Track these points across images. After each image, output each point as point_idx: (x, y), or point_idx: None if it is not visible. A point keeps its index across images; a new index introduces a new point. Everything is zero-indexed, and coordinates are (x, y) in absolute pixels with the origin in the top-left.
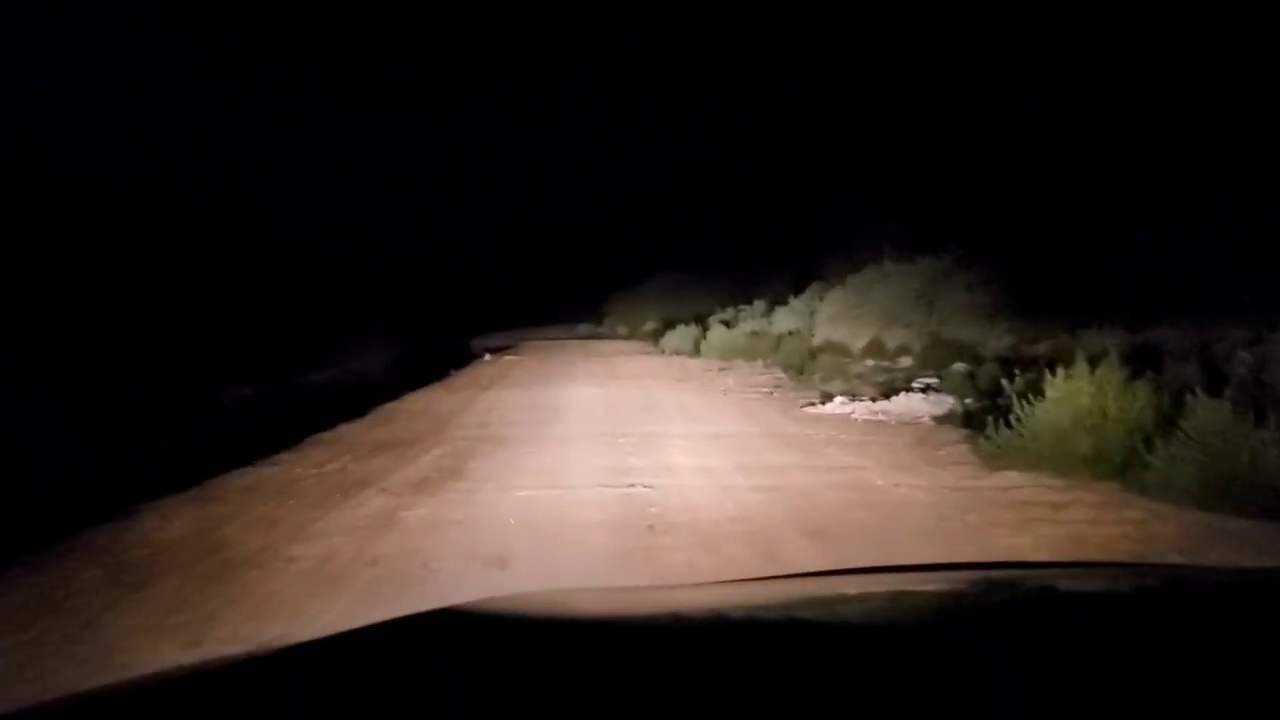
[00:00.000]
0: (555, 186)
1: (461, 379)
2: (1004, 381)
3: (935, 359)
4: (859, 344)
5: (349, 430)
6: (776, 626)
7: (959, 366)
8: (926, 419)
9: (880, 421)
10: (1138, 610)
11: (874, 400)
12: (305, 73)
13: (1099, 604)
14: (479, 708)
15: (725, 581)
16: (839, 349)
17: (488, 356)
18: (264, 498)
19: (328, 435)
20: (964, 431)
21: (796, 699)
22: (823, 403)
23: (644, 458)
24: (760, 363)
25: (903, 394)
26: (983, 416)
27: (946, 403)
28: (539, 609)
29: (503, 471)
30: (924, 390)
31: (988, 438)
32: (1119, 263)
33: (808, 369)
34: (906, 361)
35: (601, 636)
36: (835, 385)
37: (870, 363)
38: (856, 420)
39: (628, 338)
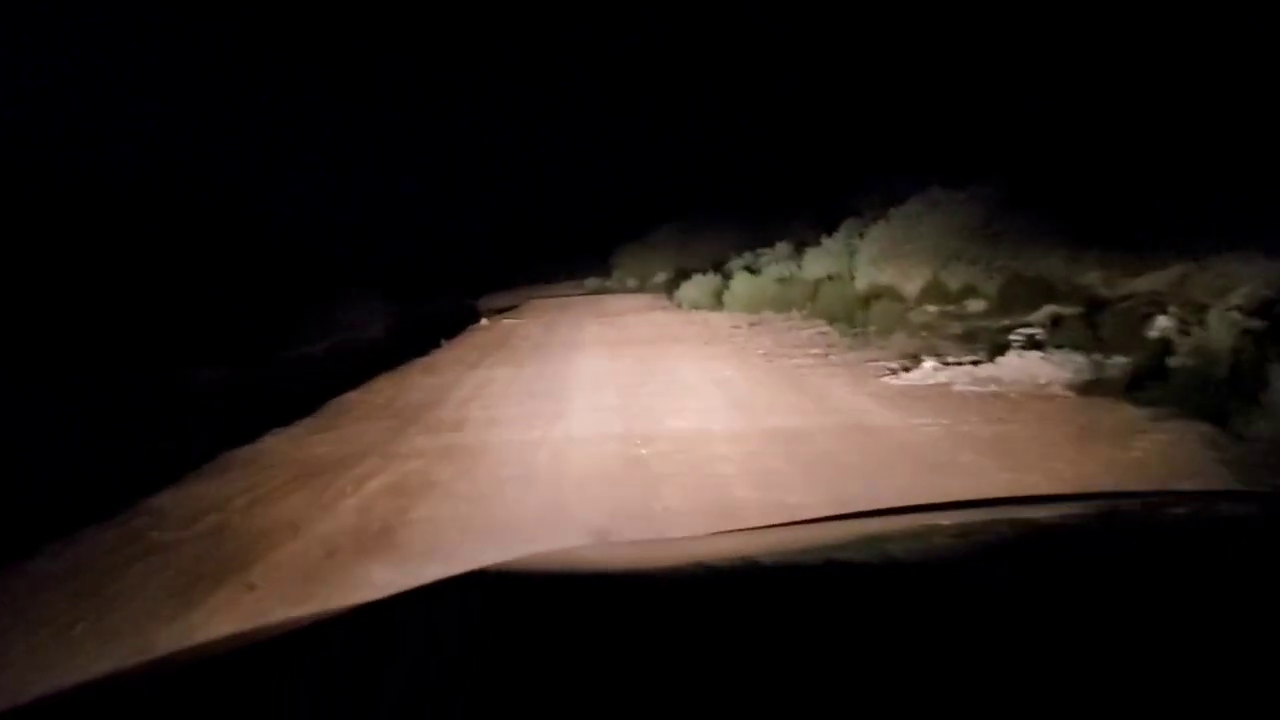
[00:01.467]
0: (558, 154)
1: (449, 352)
2: (1168, 331)
3: (1016, 301)
4: (912, 287)
5: (275, 443)
6: (814, 571)
7: (1059, 310)
8: (1058, 388)
9: (997, 395)
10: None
11: (975, 364)
12: (305, 73)
13: (1171, 534)
14: (512, 666)
15: (764, 527)
16: (890, 294)
17: (484, 320)
18: (57, 608)
19: (244, 453)
20: (1138, 410)
21: (836, 648)
22: (905, 369)
23: (682, 489)
24: (796, 315)
25: (1011, 353)
26: (1171, 386)
27: (1074, 362)
28: (569, 565)
29: (462, 530)
30: (1033, 345)
31: (1240, 436)
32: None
33: (859, 321)
34: (978, 305)
35: (636, 590)
36: (900, 340)
37: (933, 309)
38: (966, 396)
39: (638, 291)
